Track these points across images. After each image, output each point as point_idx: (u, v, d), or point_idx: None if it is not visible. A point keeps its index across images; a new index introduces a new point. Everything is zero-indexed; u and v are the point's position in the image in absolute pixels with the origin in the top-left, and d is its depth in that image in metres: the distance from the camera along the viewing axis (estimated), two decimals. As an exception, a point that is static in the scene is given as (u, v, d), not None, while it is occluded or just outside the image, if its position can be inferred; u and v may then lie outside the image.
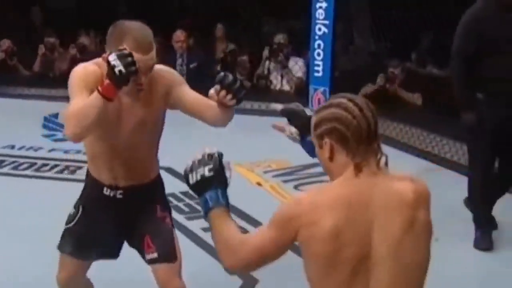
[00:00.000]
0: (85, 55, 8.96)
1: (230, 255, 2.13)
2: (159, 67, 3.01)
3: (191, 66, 8.38)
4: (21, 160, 6.37)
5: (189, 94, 3.02)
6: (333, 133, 2.10)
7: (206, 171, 2.22)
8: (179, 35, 8.35)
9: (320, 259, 2.04)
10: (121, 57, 2.70)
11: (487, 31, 4.20)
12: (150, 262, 3.10)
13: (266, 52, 8.14)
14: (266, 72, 8.23)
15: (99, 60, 2.91)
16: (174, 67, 8.24)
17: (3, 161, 6.32)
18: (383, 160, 2.15)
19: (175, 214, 4.99)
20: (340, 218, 2.01)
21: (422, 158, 6.55)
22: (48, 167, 6.26)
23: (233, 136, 6.45)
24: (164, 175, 5.87)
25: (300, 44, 8.69)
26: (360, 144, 2.09)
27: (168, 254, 3.09)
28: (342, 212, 2.02)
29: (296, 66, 8.08)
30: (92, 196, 3.16)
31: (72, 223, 3.18)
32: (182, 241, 4.54)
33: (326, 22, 7.14)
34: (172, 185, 5.52)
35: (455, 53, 4.32)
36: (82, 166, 6.14)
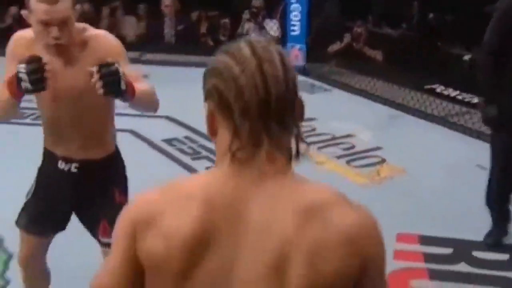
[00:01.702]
0: None
1: None
2: (101, 32, 2.70)
3: (179, 28, 8.39)
4: None
5: (126, 71, 2.50)
6: (212, 94, 1.28)
7: None
8: (167, 0, 8.29)
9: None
10: (30, 72, 2.37)
11: None
12: (105, 245, 2.73)
13: (246, 15, 8.21)
14: (245, 32, 8.27)
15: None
16: (163, 30, 8.30)
17: None
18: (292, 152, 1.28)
19: (181, 156, 5.11)
20: (198, 221, 1.24)
21: (386, 105, 6.71)
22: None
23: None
24: (163, 122, 6.00)
25: (272, 8, 8.76)
26: (247, 118, 1.23)
27: None
28: (201, 214, 1.24)
29: (274, 26, 8.15)
30: (47, 169, 2.82)
31: (28, 197, 2.86)
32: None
33: (303, -13, 7.29)
34: (173, 131, 5.64)
35: (484, 46, 3.96)
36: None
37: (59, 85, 2.56)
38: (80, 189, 2.76)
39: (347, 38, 7.95)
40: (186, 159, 5.25)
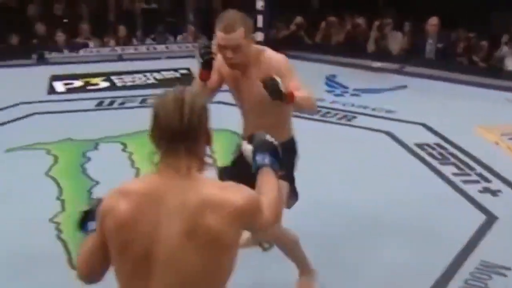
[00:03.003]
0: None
1: None
2: (271, 53, 3.04)
3: (439, 45, 8.44)
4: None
5: (287, 82, 2.89)
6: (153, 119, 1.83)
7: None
8: (433, 20, 8.38)
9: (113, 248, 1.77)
10: (199, 48, 2.97)
11: None
12: None
13: (504, 39, 8.00)
14: (502, 55, 8.09)
15: None
16: (424, 46, 8.41)
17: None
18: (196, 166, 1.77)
19: (430, 159, 5.29)
20: (132, 207, 1.72)
21: None
22: (331, 114, 6.83)
23: (470, 103, 6.53)
24: (419, 128, 6.17)
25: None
26: (162, 138, 1.75)
27: None
28: (134, 202, 1.72)
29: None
30: (238, 149, 3.15)
31: (227, 164, 3.36)
32: (434, 180, 5.01)
33: None
34: (426, 137, 5.83)
35: None
36: (357, 116, 6.65)
37: (241, 90, 3.07)
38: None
39: None
40: (434, 163, 5.39)
